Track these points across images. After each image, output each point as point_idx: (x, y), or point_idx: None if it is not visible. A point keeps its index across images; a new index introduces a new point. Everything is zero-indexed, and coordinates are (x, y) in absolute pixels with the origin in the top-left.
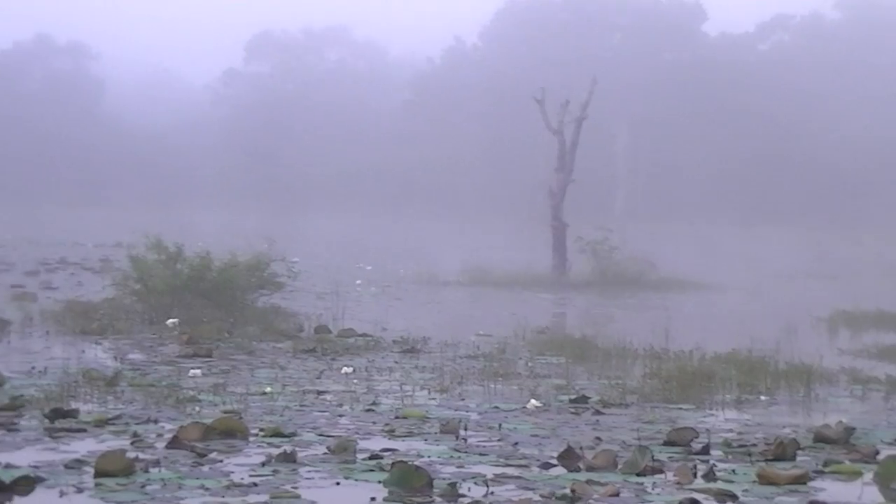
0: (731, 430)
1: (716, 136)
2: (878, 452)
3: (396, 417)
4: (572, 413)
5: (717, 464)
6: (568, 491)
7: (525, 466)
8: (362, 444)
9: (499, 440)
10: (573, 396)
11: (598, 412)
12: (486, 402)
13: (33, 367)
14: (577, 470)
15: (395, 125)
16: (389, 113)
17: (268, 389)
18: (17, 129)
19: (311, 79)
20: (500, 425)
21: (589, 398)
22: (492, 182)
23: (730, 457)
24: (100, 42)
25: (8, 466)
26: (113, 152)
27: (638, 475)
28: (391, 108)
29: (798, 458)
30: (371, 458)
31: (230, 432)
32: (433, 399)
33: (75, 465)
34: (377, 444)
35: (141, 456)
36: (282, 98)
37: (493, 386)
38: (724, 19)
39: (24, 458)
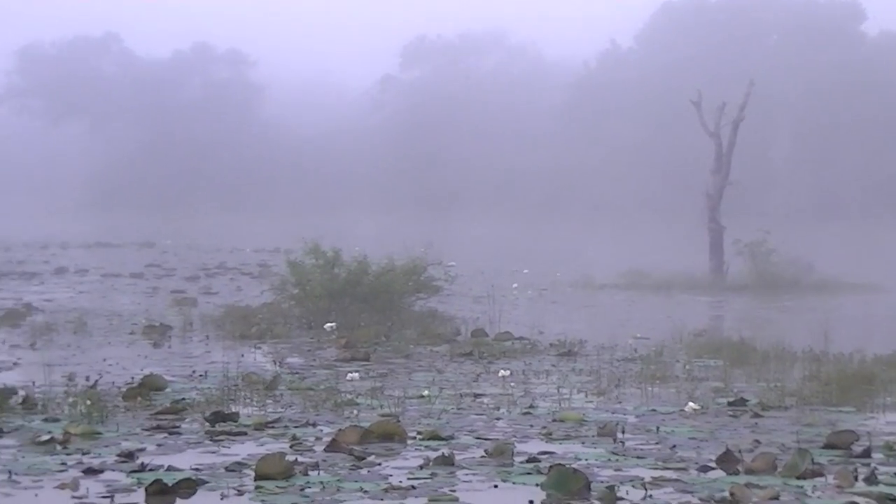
0: (892, 434)
1: (874, 137)
2: None
3: (554, 420)
4: (730, 416)
5: (878, 467)
6: (727, 494)
7: (683, 469)
8: (520, 447)
9: (656, 443)
10: (731, 399)
11: (756, 415)
12: (643, 405)
13: (194, 371)
14: (736, 473)
15: (550, 129)
16: (545, 117)
17: (425, 393)
18: (177, 137)
19: (468, 84)
20: (657, 428)
21: (747, 401)
22: (648, 185)
23: (892, 460)
24: (258, 50)
25: (170, 469)
26: (271, 159)
27: (798, 479)
28: (547, 112)
29: None
30: (529, 461)
31: (388, 435)
32: (590, 402)
33: (235, 467)
34: (535, 447)
35: (300, 459)
36: (438, 103)
37: (650, 389)
38: (885, 18)
39: (186, 461)
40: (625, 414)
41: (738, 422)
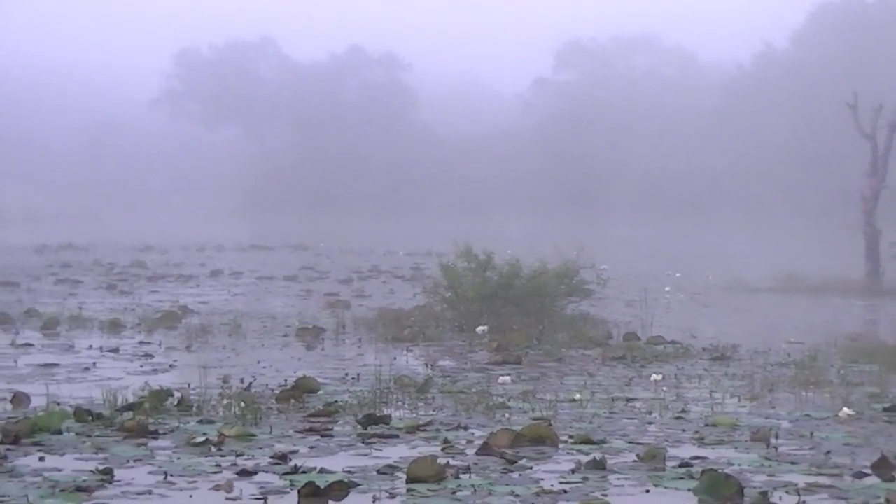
0: None
1: None
2: None
3: (706, 425)
4: (886, 422)
5: None
6: (882, 501)
7: (837, 476)
8: (672, 451)
9: (810, 449)
10: (887, 405)
11: None
12: (797, 411)
13: (346, 374)
14: (892, 480)
15: (702, 131)
16: (697, 119)
17: (577, 396)
18: (331, 140)
19: (620, 86)
20: (811, 434)
21: None
22: (801, 187)
23: None
24: (411, 53)
25: (322, 471)
26: (424, 162)
27: None
28: (699, 115)
29: None
30: (681, 465)
31: (539, 439)
32: (743, 407)
33: (388, 470)
34: (687, 451)
35: (452, 462)
36: (591, 106)
37: (804, 394)
38: None
39: (338, 464)
40: (778, 419)
41: (894, 427)
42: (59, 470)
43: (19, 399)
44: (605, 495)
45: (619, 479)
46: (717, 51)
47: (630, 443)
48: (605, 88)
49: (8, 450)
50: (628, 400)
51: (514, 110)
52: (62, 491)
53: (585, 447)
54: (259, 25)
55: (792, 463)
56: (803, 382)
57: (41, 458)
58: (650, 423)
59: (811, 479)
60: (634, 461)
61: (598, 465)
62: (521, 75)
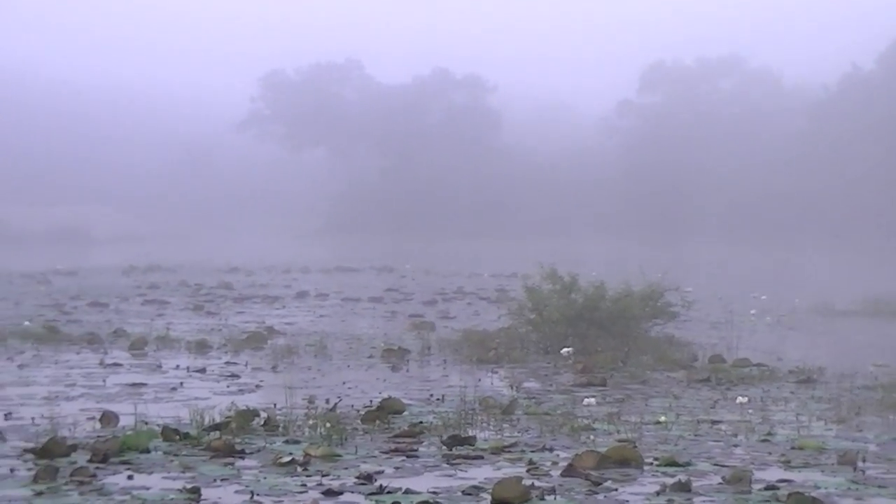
0: None
1: None
2: None
3: (792, 448)
4: None
5: None
6: None
7: None
8: (758, 474)
9: None
10: None
11: None
12: (884, 434)
13: (431, 395)
14: None
15: (788, 154)
16: (783, 142)
17: (662, 419)
18: (416, 162)
19: (705, 108)
20: None
21: None
22: (889, 211)
23: None
24: (496, 75)
25: (408, 492)
26: (508, 184)
27: None
28: (785, 137)
29: None
30: (767, 488)
31: (625, 461)
32: (830, 430)
33: (472, 491)
34: (773, 474)
35: (537, 483)
36: (675, 128)
37: (891, 417)
38: None
39: (424, 484)
40: (865, 442)
41: None
42: (147, 489)
43: (108, 418)
44: None
45: (704, 501)
46: (803, 71)
47: (716, 465)
48: (689, 111)
49: (97, 468)
50: (714, 422)
51: (597, 132)
52: None
53: (671, 469)
54: (344, 47)
55: (880, 486)
56: (891, 406)
57: (129, 477)
58: (736, 446)
59: None
60: (720, 484)
61: (684, 488)
62: (605, 97)
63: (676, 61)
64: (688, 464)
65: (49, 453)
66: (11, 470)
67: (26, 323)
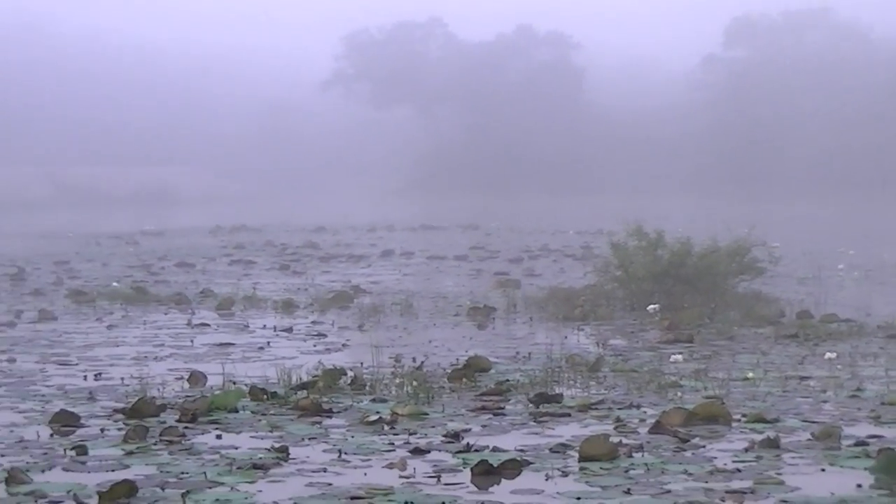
0: None
1: None
2: None
3: (882, 403)
4: None
5: None
6: None
7: None
8: (847, 430)
9: None
10: None
11: None
12: None
13: (518, 353)
14: None
15: (877, 108)
16: (871, 95)
17: (749, 375)
18: (500, 119)
19: (791, 62)
20: None
21: None
22: None
23: None
24: (580, 31)
25: (495, 450)
26: (592, 141)
27: None
28: (874, 91)
29: None
30: (856, 444)
31: (712, 418)
32: None
33: (560, 448)
34: (863, 430)
35: (624, 441)
36: (761, 82)
37: None
38: None
39: (511, 442)
40: None
41: None
42: (236, 448)
43: (196, 378)
44: (780, 474)
45: (793, 457)
46: (893, 23)
47: (804, 421)
48: (775, 64)
49: (186, 428)
50: (802, 378)
51: (682, 88)
52: (239, 468)
53: (759, 426)
54: (427, 6)
55: None
56: None
57: (218, 436)
58: (824, 402)
59: None
60: (809, 440)
61: (772, 444)
62: (689, 52)
63: (762, 14)
64: (776, 420)
65: (138, 413)
66: (102, 430)
67: (115, 284)
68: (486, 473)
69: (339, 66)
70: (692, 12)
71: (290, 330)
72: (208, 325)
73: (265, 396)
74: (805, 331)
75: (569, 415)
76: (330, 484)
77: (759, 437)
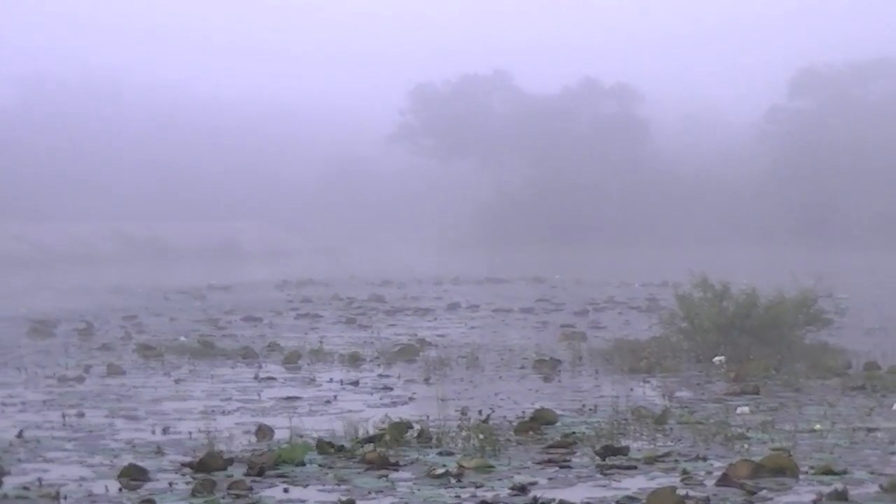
0: None
1: None
2: None
3: None
4: None
5: None
6: None
7: None
8: None
9: None
10: None
11: None
12: None
13: (584, 405)
14: None
15: None
16: None
17: (817, 427)
18: (565, 171)
19: (857, 113)
20: None
21: None
22: None
23: None
24: (645, 84)
25: (562, 503)
26: (658, 193)
27: None
28: None
29: None
30: None
31: (780, 470)
32: None
33: (626, 501)
34: None
35: (691, 493)
36: (827, 133)
37: None
38: None
39: (577, 495)
40: None
41: None
42: (303, 501)
43: (263, 432)
44: None
45: None
46: None
47: (872, 473)
48: (841, 115)
49: (253, 481)
50: (870, 430)
51: (748, 139)
52: None
53: (827, 478)
54: (492, 59)
55: None
56: None
57: (285, 490)
58: (893, 454)
59: None
60: (877, 492)
61: (841, 497)
62: (755, 104)
63: (827, 65)
64: (844, 472)
65: (206, 467)
66: (170, 484)
67: (182, 338)
68: None
69: (404, 119)
70: (757, 64)
71: (356, 383)
72: (275, 378)
73: (332, 449)
74: (872, 382)
75: (635, 467)
76: None
77: (826, 490)
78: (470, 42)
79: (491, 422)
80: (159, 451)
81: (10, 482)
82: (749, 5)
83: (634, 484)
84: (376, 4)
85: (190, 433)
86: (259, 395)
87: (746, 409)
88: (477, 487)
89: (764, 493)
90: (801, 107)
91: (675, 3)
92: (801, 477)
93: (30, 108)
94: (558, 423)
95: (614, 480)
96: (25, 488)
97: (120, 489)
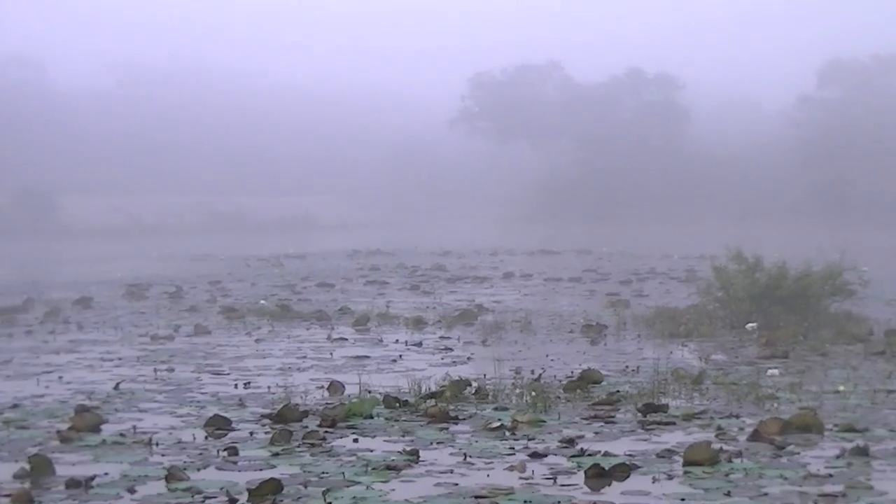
0: None
1: None
2: None
3: None
4: None
5: None
6: None
7: None
8: None
9: None
10: None
11: None
12: None
13: (627, 366)
14: None
15: None
16: None
17: (841, 388)
18: (610, 154)
19: (882, 102)
20: None
21: None
22: None
23: None
24: (685, 73)
25: (606, 454)
26: (695, 174)
27: None
28: None
29: None
30: None
31: (806, 427)
32: None
33: (665, 454)
34: None
35: (724, 447)
36: (852, 122)
37: None
38: None
39: (620, 448)
40: None
41: None
42: (371, 451)
43: (335, 387)
44: (869, 480)
45: (881, 464)
46: None
47: (892, 431)
48: (865, 104)
49: (326, 432)
50: (889, 392)
51: (779, 125)
52: (374, 469)
53: (849, 435)
54: (546, 50)
55: None
56: None
57: (355, 440)
58: None
59: None
60: (895, 449)
61: (862, 452)
62: (785, 92)
63: (852, 58)
64: (866, 430)
65: (283, 419)
66: (251, 433)
67: (262, 302)
68: (598, 476)
69: (464, 104)
70: (786, 55)
71: (419, 344)
72: (346, 339)
73: (397, 404)
74: (893, 348)
75: (674, 423)
76: (456, 484)
77: (849, 446)
78: (525, 34)
79: (542, 381)
80: (241, 404)
81: (108, 429)
82: None
83: (673, 438)
84: (441, 2)
85: (269, 388)
86: (331, 354)
87: (776, 371)
88: (529, 440)
89: (791, 447)
90: (828, 95)
91: None
92: (826, 434)
93: (125, 94)
94: (603, 383)
95: (654, 435)
96: (122, 435)
97: (206, 437)
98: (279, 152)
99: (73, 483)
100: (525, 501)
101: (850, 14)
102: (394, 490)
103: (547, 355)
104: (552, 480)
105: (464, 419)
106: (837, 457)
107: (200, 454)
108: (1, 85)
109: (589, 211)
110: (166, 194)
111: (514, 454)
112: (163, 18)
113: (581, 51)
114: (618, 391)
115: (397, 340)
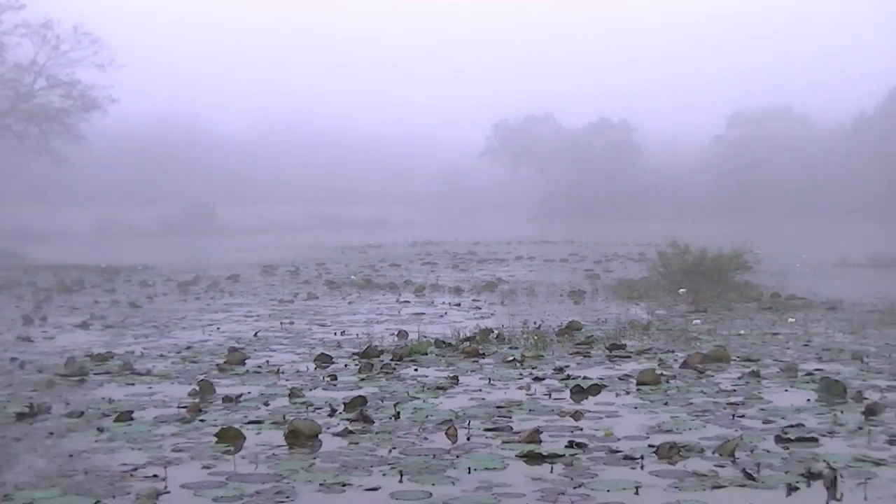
0: None
1: None
2: None
3: (823, 350)
4: None
5: None
6: None
7: None
8: (802, 366)
9: (889, 365)
10: None
11: None
12: (881, 341)
13: (598, 319)
14: None
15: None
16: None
17: (741, 332)
18: (588, 176)
19: (770, 142)
20: (889, 355)
21: None
22: None
23: None
24: (639, 118)
25: (585, 378)
26: (645, 189)
27: None
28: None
29: None
30: (807, 375)
31: (719, 359)
32: (846, 338)
33: (624, 378)
34: (811, 366)
35: (664, 373)
36: (751, 153)
37: (885, 330)
38: None
39: (594, 373)
40: (869, 346)
41: None
42: (426, 376)
43: (402, 334)
44: (760, 393)
45: (768, 383)
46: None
47: (775, 360)
48: (761, 143)
49: (395, 364)
50: (773, 334)
51: (701, 155)
52: (428, 388)
53: (748, 363)
54: (543, 105)
55: (877, 373)
56: (885, 323)
57: (415, 370)
58: (788, 349)
59: (891, 383)
60: (778, 372)
61: (755, 375)
62: (705, 132)
63: (749, 109)
64: (758, 360)
65: (367, 355)
66: (345, 365)
67: (352, 277)
68: (579, 392)
69: (489, 143)
70: (705, 106)
71: (458, 305)
72: (409, 302)
73: (444, 345)
74: (776, 305)
75: (630, 357)
76: (484, 399)
77: (747, 371)
78: (529, 94)
79: (541, 329)
80: (339, 346)
81: (250, 363)
82: (691, 59)
83: (629, 367)
84: (468, 68)
85: (357, 335)
86: (399, 312)
87: (699, 321)
88: (532, 369)
89: (709, 372)
90: (734, 135)
91: (660, 58)
92: (732, 363)
93: (262, 138)
94: (583, 330)
95: (617, 365)
96: (259, 367)
97: (315, 368)
98: (364, 175)
99: (227, 399)
100: (530, 409)
101: (750, 75)
102: (441, 402)
103: (545, 312)
104: (548, 396)
105: (489, 355)
106: (739, 378)
107: (312, 379)
108: (178, 132)
109: (574, 214)
110: (288, 204)
111: (522, 378)
112: (286, 85)
113: (568, 106)
114: (592, 336)
115: (444, 302)
